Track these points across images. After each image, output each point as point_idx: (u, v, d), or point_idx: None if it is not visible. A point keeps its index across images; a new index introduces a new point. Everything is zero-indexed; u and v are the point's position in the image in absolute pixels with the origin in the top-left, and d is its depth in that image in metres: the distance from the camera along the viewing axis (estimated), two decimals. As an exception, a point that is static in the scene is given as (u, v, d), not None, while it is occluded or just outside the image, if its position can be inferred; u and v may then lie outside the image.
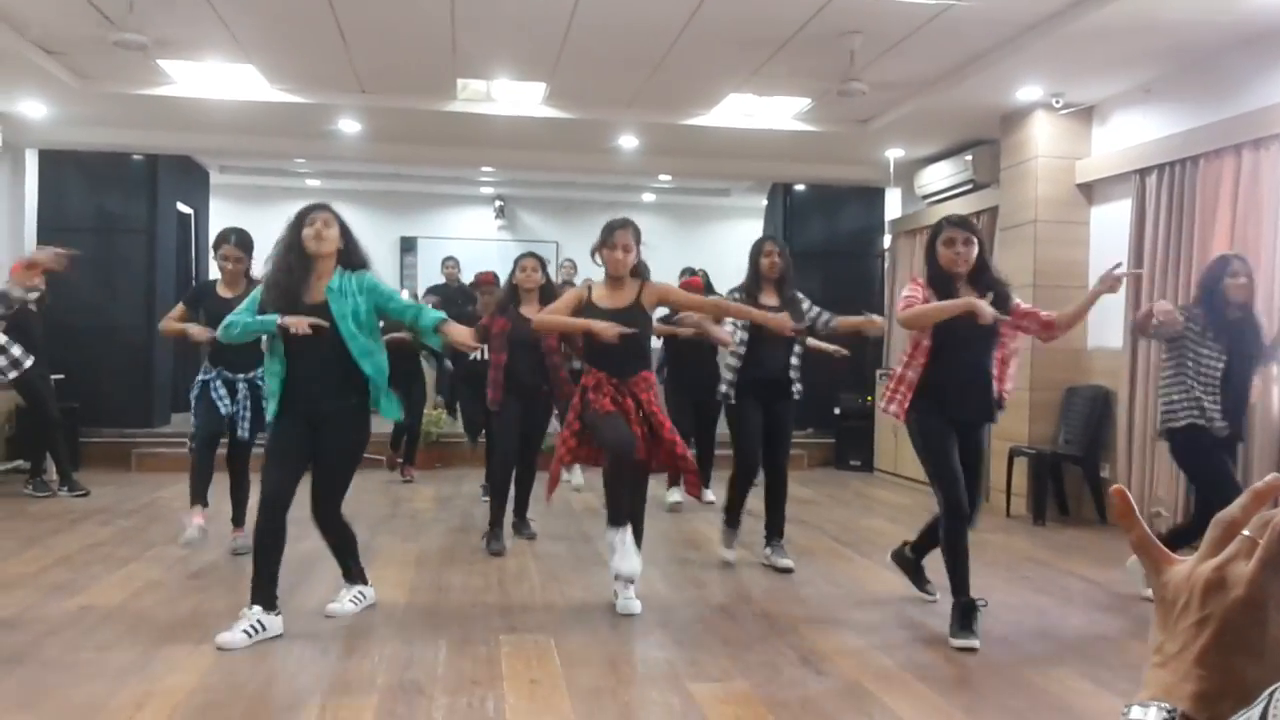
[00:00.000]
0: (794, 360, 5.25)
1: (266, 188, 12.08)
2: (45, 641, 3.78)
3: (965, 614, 4.01)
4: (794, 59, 6.52)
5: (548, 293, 5.54)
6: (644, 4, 5.63)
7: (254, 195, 12.00)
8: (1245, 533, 0.65)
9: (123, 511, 6.61)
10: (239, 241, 5.24)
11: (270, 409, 4.04)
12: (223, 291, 5.24)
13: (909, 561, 4.64)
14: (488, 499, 5.84)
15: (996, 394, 4.16)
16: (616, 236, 4.43)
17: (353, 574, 4.32)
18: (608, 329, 4.24)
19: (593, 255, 4.54)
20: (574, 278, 10.84)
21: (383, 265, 12.34)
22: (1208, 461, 4.47)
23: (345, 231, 4.07)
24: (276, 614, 3.90)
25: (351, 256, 4.07)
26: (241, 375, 5.13)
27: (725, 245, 12.59)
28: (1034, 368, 7.06)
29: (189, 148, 9.49)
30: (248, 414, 5.12)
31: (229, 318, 4.07)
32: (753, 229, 11.52)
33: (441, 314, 4.17)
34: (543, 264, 5.71)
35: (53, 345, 7.47)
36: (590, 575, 5.05)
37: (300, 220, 4.01)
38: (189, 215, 10.45)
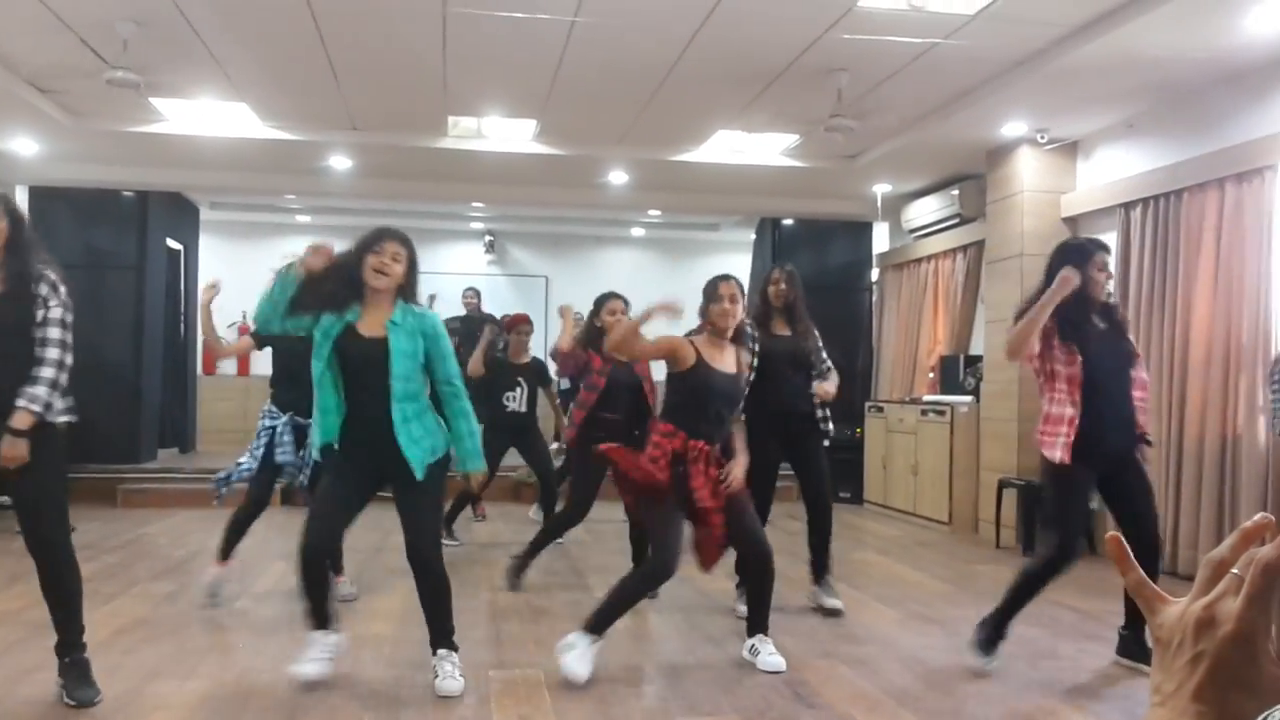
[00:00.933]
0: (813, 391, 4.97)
1: (257, 224, 12.11)
2: (29, 679, 3.74)
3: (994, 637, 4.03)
4: (782, 96, 6.59)
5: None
6: (633, 43, 5.70)
7: (244, 231, 12.02)
8: (1234, 571, 0.67)
9: (108, 548, 6.56)
10: None
11: (316, 446, 3.74)
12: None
13: (1134, 643, 4.11)
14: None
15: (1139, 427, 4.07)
16: (722, 288, 4.09)
17: (444, 633, 3.79)
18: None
19: (701, 317, 4.17)
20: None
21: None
22: None
23: (412, 265, 3.71)
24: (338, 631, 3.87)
25: (411, 290, 3.73)
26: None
27: (714, 280, 12.66)
28: (1021, 398, 7.09)
29: (180, 184, 9.52)
30: (309, 462, 4.73)
31: (261, 302, 3.59)
32: (742, 263, 11.57)
33: (481, 465, 3.86)
34: (628, 305, 5.44)
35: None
36: (580, 610, 5.01)
37: (365, 248, 3.63)
38: (179, 251, 10.47)
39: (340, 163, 8.57)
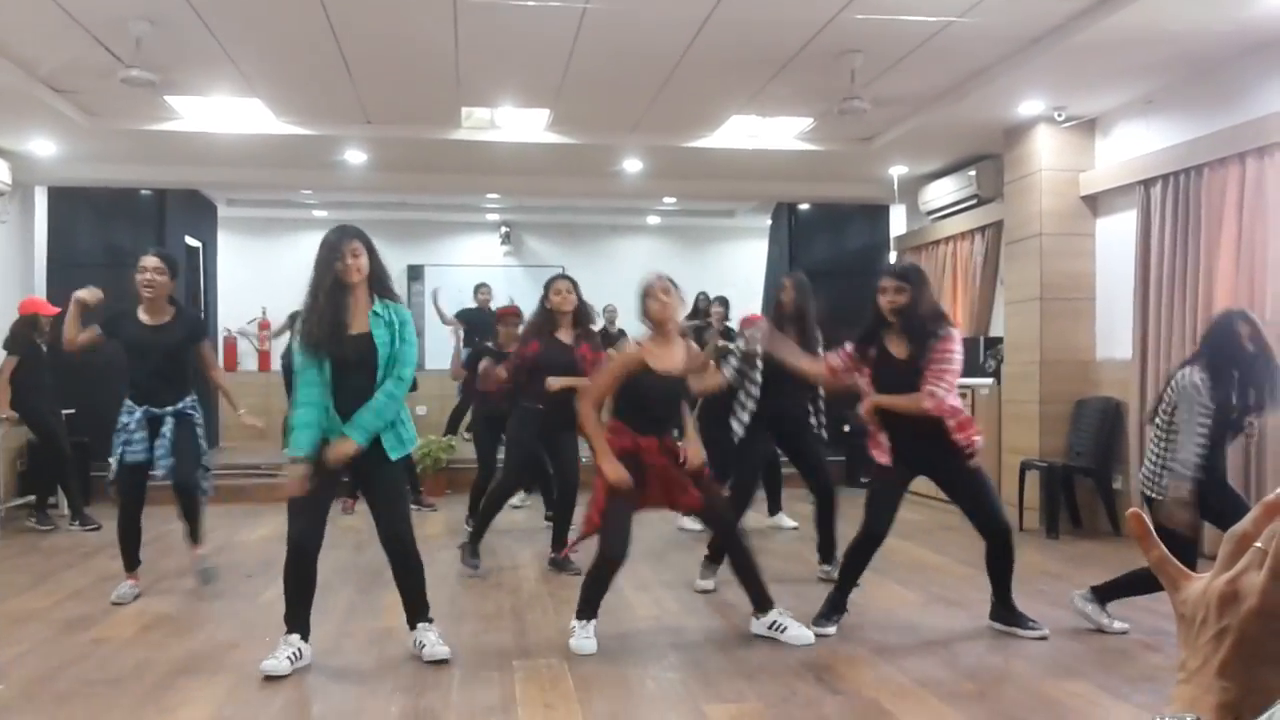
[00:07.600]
0: (820, 403, 5.46)
1: (274, 219, 12.14)
2: (59, 675, 3.78)
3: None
4: (795, 79, 6.55)
5: (582, 315, 5.59)
6: (645, 29, 5.67)
7: (262, 227, 12.06)
8: (1257, 545, 0.66)
9: (135, 545, 6.60)
10: (165, 260, 4.98)
11: (300, 445, 3.76)
12: (145, 318, 4.97)
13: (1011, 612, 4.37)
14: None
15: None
16: (655, 283, 4.22)
17: (423, 611, 4.09)
18: (616, 477, 4.02)
19: (642, 319, 4.29)
20: (615, 320, 10.71)
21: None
22: None
23: (373, 256, 3.90)
24: (308, 643, 3.91)
25: (380, 281, 3.95)
26: (169, 408, 4.94)
27: (731, 266, 12.63)
28: (1043, 381, 7.04)
29: (197, 182, 9.56)
30: (169, 455, 4.89)
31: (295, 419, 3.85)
32: (758, 249, 11.55)
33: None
34: (576, 286, 5.62)
35: (62, 380, 7.50)
36: (605, 601, 5.02)
37: (332, 253, 3.81)
38: (197, 249, 10.52)
39: (355, 157, 8.59)
